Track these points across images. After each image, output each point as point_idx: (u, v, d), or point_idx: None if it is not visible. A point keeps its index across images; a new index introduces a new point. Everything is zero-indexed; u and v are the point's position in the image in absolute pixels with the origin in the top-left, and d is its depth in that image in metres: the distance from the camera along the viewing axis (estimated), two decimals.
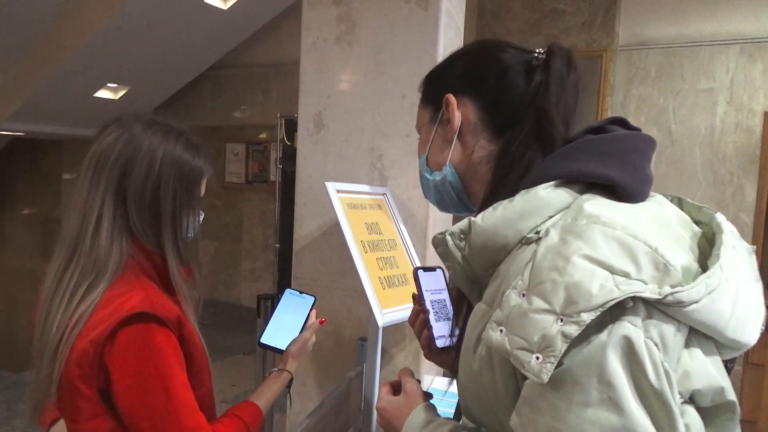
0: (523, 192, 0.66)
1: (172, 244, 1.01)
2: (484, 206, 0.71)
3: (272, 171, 5.30)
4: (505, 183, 0.71)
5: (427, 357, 0.99)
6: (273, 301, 2.30)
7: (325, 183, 1.68)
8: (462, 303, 0.81)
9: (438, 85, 0.81)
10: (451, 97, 0.77)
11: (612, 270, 0.54)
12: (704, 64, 3.64)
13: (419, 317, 0.98)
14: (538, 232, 0.62)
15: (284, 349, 1.21)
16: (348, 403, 1.81)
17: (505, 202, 0.66)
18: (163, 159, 1.00)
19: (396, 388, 0.88)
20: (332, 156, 2.01)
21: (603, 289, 0.52)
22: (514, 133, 0.73)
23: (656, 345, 0.53)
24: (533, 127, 0.72)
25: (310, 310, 1.29)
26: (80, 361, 0.89)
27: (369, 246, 1.72)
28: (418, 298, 1.00)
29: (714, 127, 3.64)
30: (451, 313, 1.02)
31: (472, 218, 0.67)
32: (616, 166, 0.65)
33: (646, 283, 0.54)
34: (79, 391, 0.89)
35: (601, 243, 0.56)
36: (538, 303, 0.55)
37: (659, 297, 0.53)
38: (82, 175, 0.99)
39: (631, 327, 0.52)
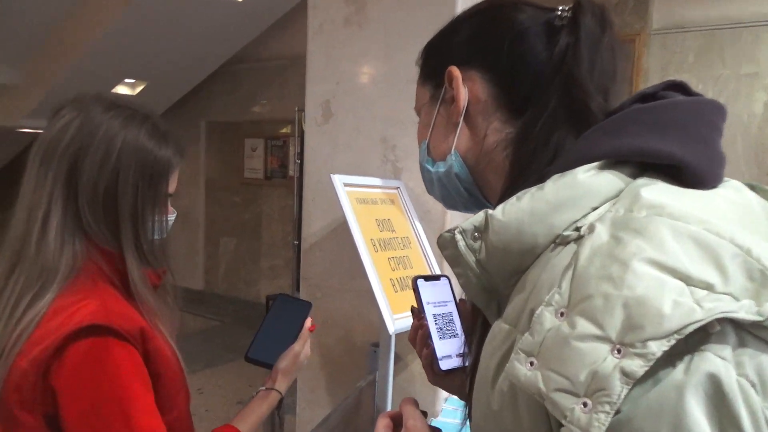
0: (556, 177, 0.51)
1: (133, 247, 0.88)
2: (502, 201, 0.56)
3: (291, 166, 5.19)
4: (527, 172, 0.58)
5: (431, 381, 0.85)
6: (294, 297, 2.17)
7: (331, 176, 1.54)
8: (476, 319, 0.66)
9: (439, 57, 0.67)
10: (455, 71, 0.63)
11: (689, 280, 0.40)
12: (747, 47, 3.38)
13: (419, 333, 0.84)
14: (578, 229, 0.48)
15: (273, 364, 1.07)
16: (359, 414, 1.67)
17: (533, 189, 0.52)
18: (123, 148, 0.86)
19: (397, 422, 0.73)
20: (341, 147, 1.86)
21: (678, 307, 0.38)
22: (536, 111, 0.59)
23: (753, 386, 0.38)
24: (561, 100, 0.58)
25: (305, 318, 1.14)
26: (19, 385, 0.76)
27: (380, 245, 1.57)
28: (417, 312, 0.86)
29: (757, 115, 3.39)
30: (459, 328, 0.88)
31: (490, 211, 0.53)
32: (680, 141, 0.49)
33: (737, 299, 0.39)
34: (16, 420, 0.76)
35: (670, 242, 0.42)
36: (585, 326, 0.41)
37: (759, 318, 0.38)
38: (29, 166, 0.86)
39: (717, 361, 0.38)
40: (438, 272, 1.70)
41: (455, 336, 0.85)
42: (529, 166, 0.58)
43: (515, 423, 0.47)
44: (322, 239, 1.92)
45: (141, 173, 0.87)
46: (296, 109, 4.02)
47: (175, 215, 1.00)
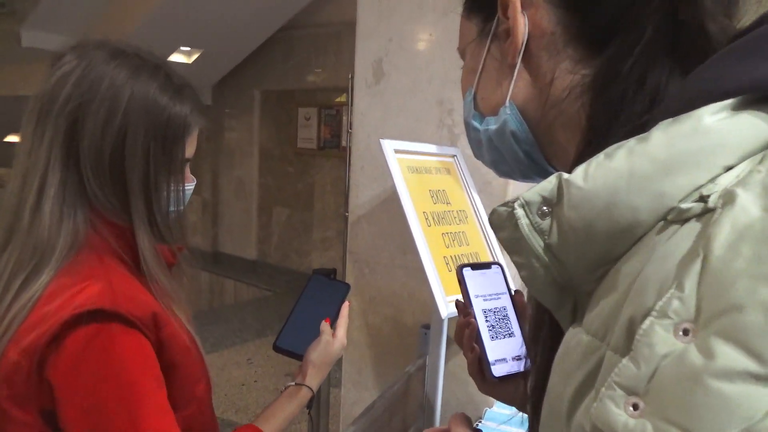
0: (666, 123, 0.36)
1: (145, 221, 0.76)
2: (576, 166, 0.40)
3: (344, 136, 5.07)
4: (614, 126, 0.42)
5: (481, 389, 0.71)
6: (330, 277, 2.06)
7: (381, 141, 1.39)
8: (542, 323, 0.49)
9: None
10: None
11: None
12: None
13: (466, 332, 0.70)
14: (704, 199, 0.33)
15: (303, 354, 0.95)
16: (406, 402, 1.55)
17: (631, 142, 0.36)
18: (130, 103, 0.73)
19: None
20: (394, 111, 1.70)
21: None
22: (626, 42, 0.43)
23: None
24: (662, 23, 0.41)
25: (342, 302, 1.01)
26: (9, 378, 0.66)
27: (433, 218, 1.42)
28: (463, 307, 0.72)
29: None
30: (516, 326, 0.73)
31: (565, 176, 0.38)
32: None
33: None
34: (8, 416, 0.66)
35: None
36: (731, 357, 0.27)
37: None
38: (23, 126, 0.74)
39: None
40: (498, 252, 1.53)
41: (510, 335, 0.72)
42: (616, 118, 0.43)
43: None
44: (371, 211, 1.79)
45: (153, 134, 0.75)
46: (349, 75, 3.87)
47: (194, 184, 0.88)
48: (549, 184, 0.39)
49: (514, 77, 0.49)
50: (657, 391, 0.29)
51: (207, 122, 0.85)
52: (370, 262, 1.79)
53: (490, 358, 0.68)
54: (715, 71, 0.37)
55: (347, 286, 1.03)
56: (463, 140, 1.62)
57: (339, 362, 1.44)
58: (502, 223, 0.41)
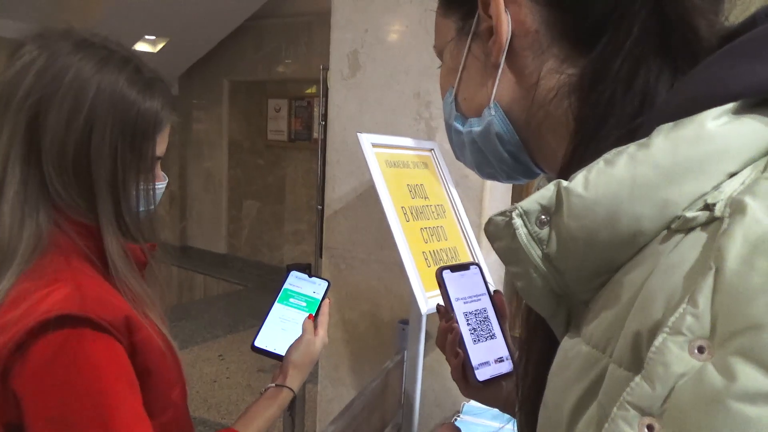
0: (667, 128, 0.34)
1: (113, 221, 0.72)
2: (567, 170, 0.40)
3: (315, 128, 5.01)
4: (604, 128, 0.41)
5: (465, 393, 0.71)
6: (305, 271, 2.02)
7: (358, 134, 1.36)
8: (536, 331, 0.47)
9: None
10: None
11: None
12: None
13: (449, 337, 0.70)
14: (709, 206, 0.32)
15: (283, 355, 0.92)
16: (384, 398, 1.54)
17: (631, 148, 0.35)
18: (97, 97, 0.69)
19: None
20: (370, 103, 1.67)
21: None
22: (613, 41, 0.42)
23: None
24: (650, 21, 0.40)
25: (322, 299, 0.98)
26: None
27: (411, 213, 1.40)
28: (444, 311, 0.72)
29: None
30: (497, 327, 0.72)
31: (565, 183, 0.37)
32: None
33: None
34: None
35: None
36: (753, 378, 0.26)
37: None
38: None
39: None
40: (476, 246, 1.52)
41: (492, 337, 0.71)
42: (605, 120, 0.41)
43: None
44: (347, 205, 1.76)
45: (121, 131, 0.71)
46: (321, 67, 3.82)
47: (165, 183, 0.84)
48: (547, 192, 0.37)
49: (498, 77, 0.47)
50: (674, 412, 0.28)
51: (178, 117, 0.81)
52: (346, 256, 1.77)
53: (474, 362, 0.67)
54: (713, 74, 0.36)
55: (327, 283, 1.00)
56: (441, 134, 1.61)
57: None
58: (500, 232, 0.40)
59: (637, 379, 0.30)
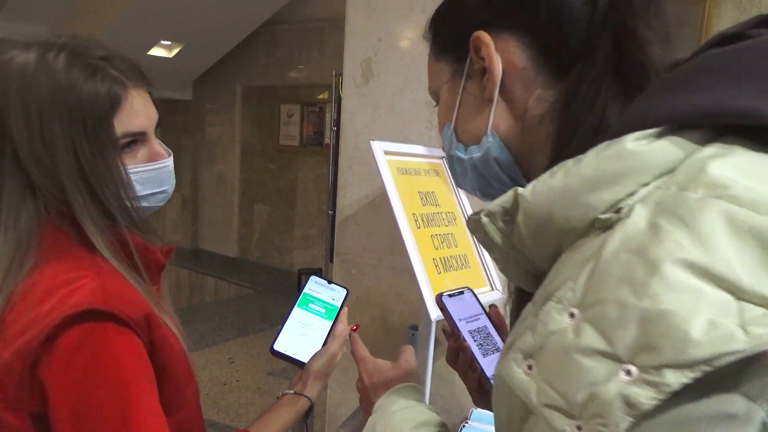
0: (601, 147, 0.43)
1: (92, 214, 0.71)
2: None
3: (327, 133, 5.04)
4: (571, 145, 0.50)
5: (481, 405, 0.78)
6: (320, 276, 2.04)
7: (371, 142, 1.38)
8: (521, 300, 0.57)
9: (456, 23, 0.58)
10: (485, 36, 0.54)
11: (738, 293, 0.32)
12: None
13: (460, 356, 0.78)
14: (618, 211, 0.40)
15: (305, 362, 0.92)
16: None
17: (570, 163, 0.44)
18: (39, 93, 0.68)
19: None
20: (383, 111, 1.69)
21: (714, 329, 0.32)
22: (582, 69, 0.51)
23: None
24: (610, 53, 0.50)
25: (342, 306, 1.00)
26: (1, 381, 0.64)
27: (423, 220, 1.42)
28: (451, 333, 0.79)
29: None
30: (499, 340, 0.81)
31: (520, 190, 0.46)
32: None
33: None
34: None
35: (721, 237, 0.33)
36: (591, 337, 0.35)
37: None
38: None
39: (755, 409, 0.32)
40: (486, 254, 1.53)
41: (498, 350, 0.78)
42: (572, 137, 0.50)
43: (508, 414, 0.43)
44: (359, 211, 1.78)
45: (69, 120, 0.69)
46: (333, 73, 3.85)
47: (167, 161, 0.81)
48: (507, 197, 0.46)
49: (493, 110, 0.55)
50: (543, 357, 0.38)
51: (148, 85, 0.78)
52: (357, 262, 1.78)
53: (489, 373, 0.73)
54: (647, 102, 0.44)
55: (346, 291, 1.01)
56: None
57: None
58: (475, 228, 0.49)
59: (528, 332, 0.40)
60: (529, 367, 0.39)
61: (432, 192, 1.50)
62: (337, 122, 4.19)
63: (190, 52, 5.27)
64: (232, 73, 5.81)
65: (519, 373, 0.39)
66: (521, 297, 0.56)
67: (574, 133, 0.50)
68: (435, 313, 1.29)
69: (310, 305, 0.98)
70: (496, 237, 0.47)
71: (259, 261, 5.90)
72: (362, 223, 1.77)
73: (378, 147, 1.38)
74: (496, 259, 0.49)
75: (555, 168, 0.43)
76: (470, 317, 0.80)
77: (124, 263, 0.73)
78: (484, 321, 0.81)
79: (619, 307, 0.34)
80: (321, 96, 5.35)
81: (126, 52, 0.79)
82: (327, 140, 4.96)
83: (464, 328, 0.77)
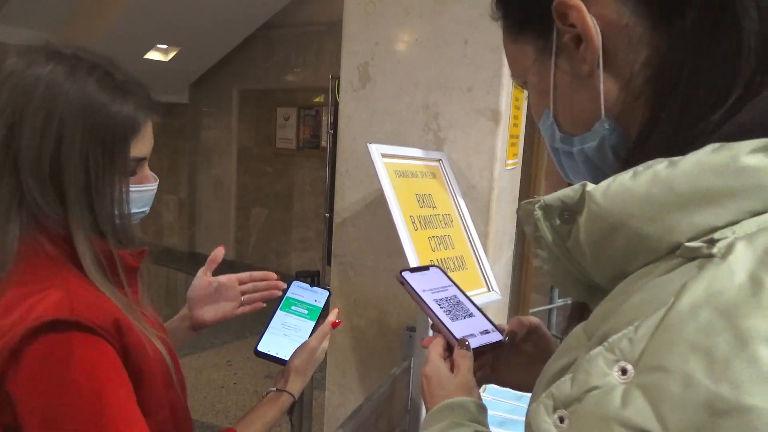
0: (706, 151, 0.34)
1: (85, 227, 0.72)
2: (629, 161, 0.40)
3: (324, 136, 5.06)
4: (663, 118, 0.40)
5: (481, 381, 0.71)
6: (314, 279, 2.06)
7: (368, 145, 1.39)
8: (580, 313, 0.49)
9: None
10: None
11: None
12: None
13: (428, 337, 0.71)
14: (713, 242, 0.31)
15: (287, 360, 0.95)
16: (392, 404, 1.56)
17: (661, 165, 0.35)
18: (66, 106, 0.69)
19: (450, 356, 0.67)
20: (379, 114, 1.71)
21: None
22: (696, 16, 0.39)
23: None
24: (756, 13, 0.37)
25: (323, 307, 1.02)
26: None
27: (420, 222, 1.43)
28: (420, 306, 0.73)
29: None
30: (474, 308, 0.75)
31: (590, 187, 0.38)
32: None
33: None
34: None
35: None
36: (641, 411, 0.28)
37: None
38: None
39: None
40: (483, 256, 1.55)
41: (470, 316, 0.74)
42: (666, 105, 0.40)
43: None
44: (356, 214, 1.79)
45: (91, 137, 0.71)
46: (330, 76, 3.87)
47: (154, 185, 0.83)
48: (572, 192, 0.38)
49: (602, 86, 0.44)
50: (577, 415, 0.32)
51: (159, 116, 0.81)
52: (354, 264, 1.80)
53: (457, 335, 0.68)
54: None
55: (328, 292, 1.04)
56: (449, 145, 1.64)
57: (323, 364, 1.44)
58: (526, 218, 0.42)
59: (568, 376, 0.33)
60: (561, 420, 0.32)
61: (429, 194, 1.51)
62: (334, 125, 4.21)
63: (186, 56, 5.28)
64: (229, 77, 5.83)
65: (547, 424, 0.33)
66: (577, 308, 0.49)
67: (665, 104, 0.40)
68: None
69: (293, 308, 1.02)
70: (548, 235, 0.40)
71: (256, 264, 5.90)
72: (360, 225, 1.78)
73: (375, 150, 1.40)
74: (543, 259, 0.42)
75: (640, 168, 0.36)
76: (436, 288, 0.76)
77: (106, 279, 0.73)
78: (454, 292, 0.77)
79: (684, 382, 0.28)
80: (317, 99, 5.37)
81: (134, 75, 0.81)
82: (324, 143, 4.98)
83: (428, 298, 0.73)
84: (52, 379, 0.63)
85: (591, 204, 0.37)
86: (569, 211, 0.39)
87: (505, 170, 1.71)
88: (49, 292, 0.67)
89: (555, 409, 0.33)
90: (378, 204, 1.75)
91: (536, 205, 0.41)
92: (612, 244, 0.36)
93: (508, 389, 0.76)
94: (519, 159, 2.05)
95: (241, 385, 3.58)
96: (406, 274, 0.76)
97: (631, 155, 0.43)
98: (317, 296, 1.04)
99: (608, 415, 0.29)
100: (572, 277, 0.41)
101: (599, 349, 0.32)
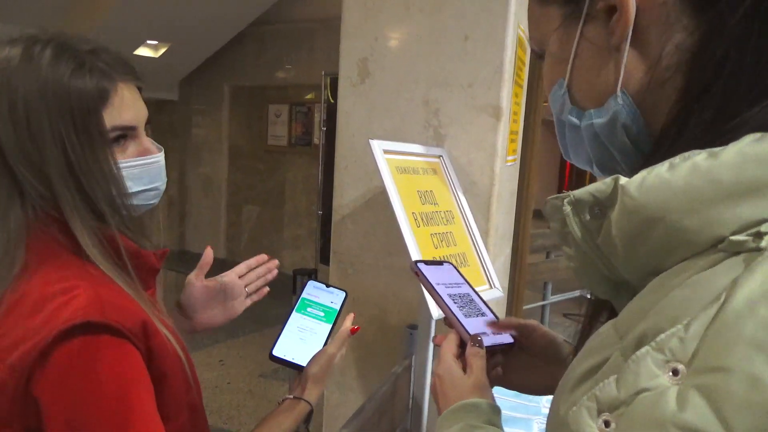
0: (748, 140, 0.33)
1: (80, 210, 0.69)
2: (656, 152, 0.39)
3: (316, 134, 5.03)
4: (697, 110, 0.38)
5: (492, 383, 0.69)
6: (311, 277, 2.04)
7: (370, 141, 1.38)
8: (599, 311, 0.48)
9: None
10: None
11: None
12: None
13: (440, 335, 0.70)
14: (761, 235, 0.30)
15: (305, 366, 0.91)
16: (394, 402, 1.55)
17: (701, 156, 0.33)
18: (25, 86, 0.66)
19: (462, 356, 0.66)
20: (379, 111, 1.69)
21: None
22: (733, 4, 0.37)
23: None
24: None
25: (341, 309, 0.99)
26: None
27: (422, 219, 1.42)
28: (434, 298, 0.72)
29: None
30: (486, 308, 0.74)
31: (623, 180, 0.36)
32: None
33: None
34: None
35: None
36: (701, 414, 0.27)
37: None
38: None
39: None
40: (485, 252, 1.54)
41: (482, 314, 0.73)
42: (709, 89, 0.37)
43: None
44: (355, 211, 1.77)
45: (58, 114, 0.67)
46: (323, 73, 3.84)
47: (158, 157, 0.79)
48: (604, 185, 0.37)
49: (624, 61, 0.42)
50: (627, 419, 0.30)
51: (137, 79, 0.75)
52: (354, 262, 1.78)
53: (471, 331, 0.67)
54: None
55: (345, 293, 1.01)
56: (449, 141, 1.63)
57: None
58: (553, 214, 0.41)
59: (612, 377, 0.32)
60: (606, 424, 0.31)
61: (430, 191, 1.50)
62: (327, 122, 4.19)
63: (176, 52, 5.23)
64: (220, 74, 5.78)
65: (591, 428, 0.32)
66: (597, 306, 0.48)
67: (708, 87, 0.38)
68: (437, 312, 1.29)
69: (309, 309, 0.98)
70: (577, 231, 0.39)
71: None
72: (359, 222, 1.76)
73: (377, 146, 1.38)
74: (569, 257, 0.41)
75: (676, 159, 0.34)
76: (450, 284, 0.75)
77: (114, 267, 0.70)
78: (467, 289, 0.76)
79: (750, 383, 0.26)
80: (309, 96, 5.34)
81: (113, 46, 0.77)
82: (316, 140, 4.95)
83: (443, 292, 0.73)
84: (79, 381, 0.61)
85: (625, 198, 0.35)
86: (600, 206, 0.37)
87: (506, 166, 1.70)
88: (79, 292, 0.64)
89: (599, 413, 0.31)
90: (377, 201, 1.73)
91: (565, 200, 0.39)
92: (647, 239, 0.34)
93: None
94: (518, 155, 2.05)
95: (235, 384, 3.54)
96: (422, 266, 0.74)
97: (659, 146, 0.42)
98: (333, 297, 1.00)
99: (664, 419, 0.28)
100: (600, 274, 0.40)
101: (646, 349, 0.30)
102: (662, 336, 0.30)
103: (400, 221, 1.32)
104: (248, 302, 1.04)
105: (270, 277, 1.08)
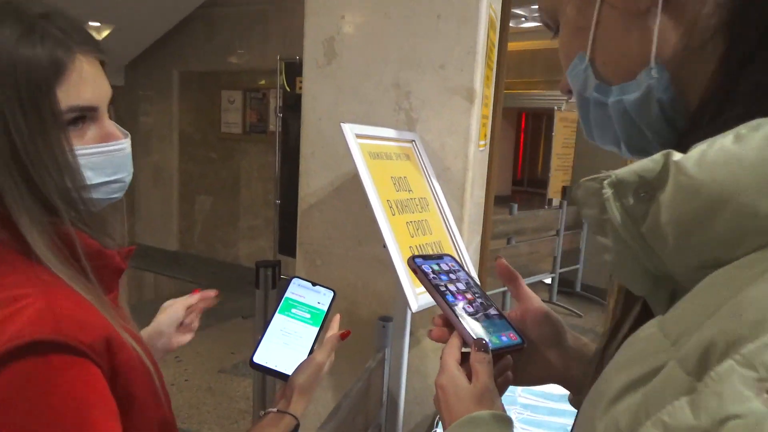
0: None
1: (27, 204, 0.58)
2: (693, 129, 0.34)
3: (272, 120, 4.88)
4: (745, 76, 0.34)
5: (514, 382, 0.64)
6: (275, 269, 1.95)
7: (342, 124, 1.30)
8: (629, 308, 0.42)
9: None
10: None
11: None
12: None
13: (438, 329, 0.64)
14: None
15: (289, 374, 0.82)
16: (368, 398, 1.48)
17: None
18: None
19: (465, 361, 0.59)
20: (347, 94, 1.61)
21: None
22: None
23: None
24: None
25: (329, 310, 0.91)
26: None
27: (397, 207, 1.35)
28: (434, 298, 0.65)
29: None
30: (492, 305, 0.67)
31: (676, 156, 0.31)
32: None
33: None
34: None
35: None
36: None
37: None
38: None
39: None
40: (459, 239, 1.49)
41: (487, 313, 0.66)
42: (750, 60, 0.34)
43: None
44: (323, 199, 1.69)
45: (1, 89, 0.57)
46: (278, 57, 3.72)
47: (123, 143, 0.69)
48: (652, 163, 0.31)
49: (656, 27, 0.37)
50: None
51: (100, 52, 0.66)
52: (322, 252, 1.70)
53: (474, 334, 0.61)
54: None
55: (333, 293, 0.92)
56: (421, 125, 1.56)
57: None
58: (588, 199, 0.35)
59: (684, 399, 0.26)
60: None
61: (404, 177, 1.43)
62: (283, 109, 4.06)
63: (121, 35, 4.97)
64: (168, 58, 5.54)
65: None
66: (628, 303, 0.42)
67: (752, 57, 0.34)
68: (416, 304, 1.23)
69: (293, 310, 0.89)
70: (618, 217, 0.33)
71: (202, 254, 5.68)
72: (326, 211, 1.68)
73: (349, 130, 1.30)
74: (606, 248, 0.35)
75: (743, 129, 0.29)
76: (451, 280, 0.69)
77: (70, 271, 0.60)
78: (470, 285, 0.70)
79: None
80: (262, 82, 5.18)
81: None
82: (272, 127, 4.81)
83: (444, 290, 0.67)
84: (31, 406, 0.52)
85: (680, 177, 0.30)
86: (647, 188, 0.32)
87: (478, 151, 1.66)
88: (28, 302, 0.54)
89: None
90: (346, 188, 1.65)
91: (605, 182, 0.33)
92: (709, 225, 0.29)
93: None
94: (488, 140, 2.00)
95: (193, 382, 3.41)
96: (419, 261, 0.68)
97: (696, 122, 0.37)
98: (321, 297, 0.92)
99: None
100: (641, 267, 0.34)
101: (730, 363, 0.25)
102: (750, 347, 0.24)
103: (376, 210, 1.25)
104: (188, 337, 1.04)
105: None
